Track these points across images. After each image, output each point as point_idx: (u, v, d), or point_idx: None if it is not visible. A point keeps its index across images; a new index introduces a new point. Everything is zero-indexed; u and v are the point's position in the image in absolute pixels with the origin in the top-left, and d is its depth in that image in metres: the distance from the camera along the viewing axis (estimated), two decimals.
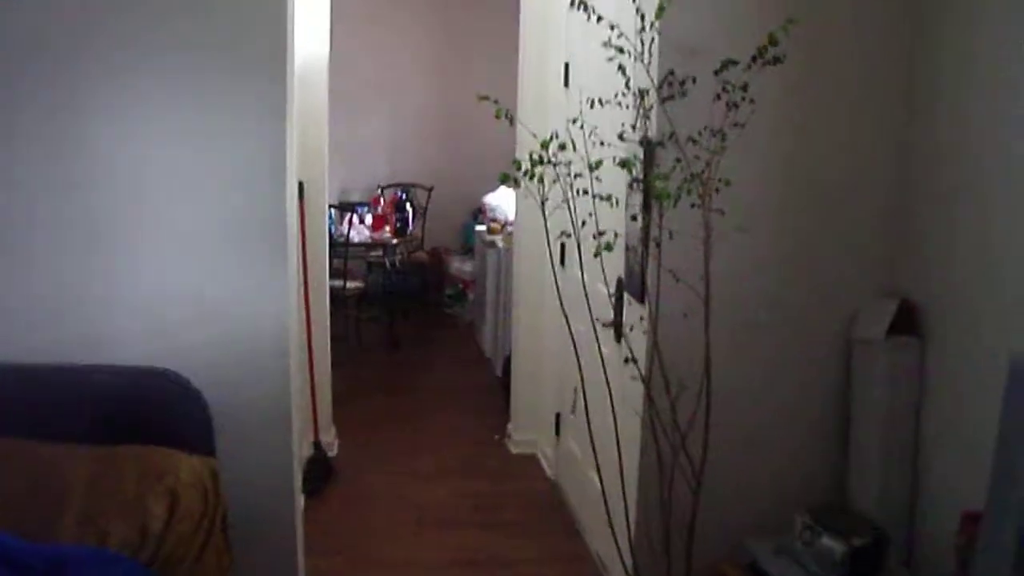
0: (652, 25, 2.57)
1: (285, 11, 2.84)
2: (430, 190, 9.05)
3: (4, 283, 2.87)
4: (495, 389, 6.59)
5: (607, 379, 3.01)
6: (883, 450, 3.09)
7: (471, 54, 9.32)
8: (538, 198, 2.79)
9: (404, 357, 7.66)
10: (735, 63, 2.60)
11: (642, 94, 2.78)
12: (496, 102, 2.63)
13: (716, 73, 2.62)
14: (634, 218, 2.94)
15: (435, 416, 6.18)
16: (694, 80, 2.75)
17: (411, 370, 7.35)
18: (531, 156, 2.69)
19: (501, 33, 9.20)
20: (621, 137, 2.93)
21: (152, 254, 2.91)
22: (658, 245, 2.64)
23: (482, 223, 8.23)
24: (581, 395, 3.17)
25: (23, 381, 2.84)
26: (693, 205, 2.59)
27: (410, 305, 8.45)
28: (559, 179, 2.70)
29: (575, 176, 2.73)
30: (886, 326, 3.05)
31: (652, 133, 2.85)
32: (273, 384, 2.95)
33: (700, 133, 2.64)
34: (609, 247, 2.62)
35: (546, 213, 2.78)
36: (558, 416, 4.91)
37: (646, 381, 2.86)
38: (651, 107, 2.77)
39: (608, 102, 2.87)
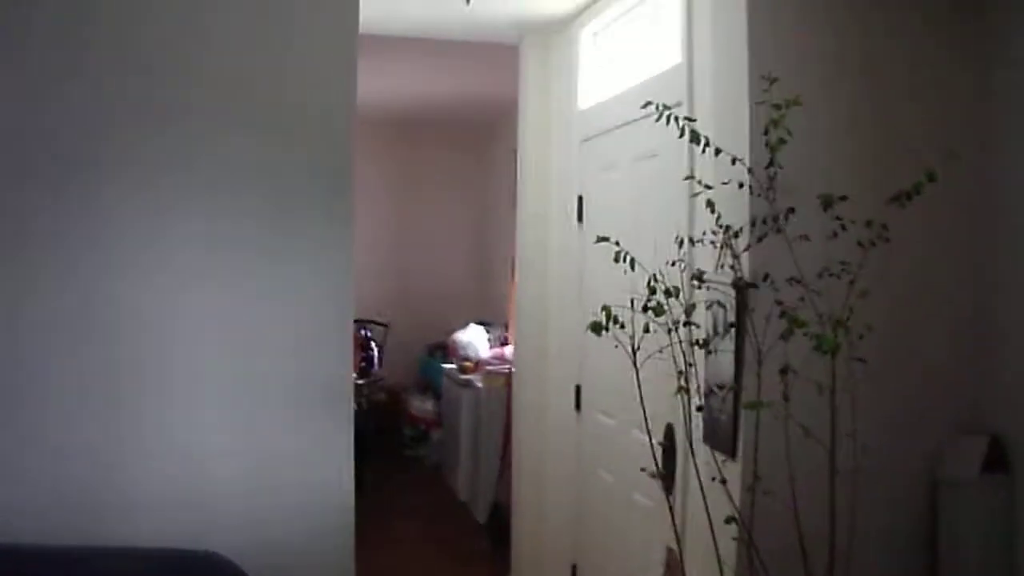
0: (773, 161, 2.39)
1: (349, 137, 2.60)
2: (386, 326, 8.77)
3: (10, 448, 2.50)
4: (478, 536, 6.28)
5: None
6: None
7: (427, 189, 9.27)
8: (628, 348, 2.57)
9: (373, 503, 7.21)
10: (843, 199, 2.45)
11: (734, 232, 2.60)
12: (618, 244, 2.42)
13: (826, 209, 2.45)
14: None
15: (424, 570, 5.80)
16: (786, 217, 2.58)
17: (385, 518, 6.94)
18: (632, 302, 2.48)
19: (461, 170, 9.31)
20: (700, 279, 2.74)
21: (188, 413, 2.57)
22: (787, 399, 2.41)
23: (445, 360, 7.97)
24: (679, 560, 2.86)
25: (33, 568, 2.41)
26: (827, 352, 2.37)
27: (371, 448, 8.07)
28: (672, 327, 2.47)
29: (683, 324, 2.52)
30: (978, 465, 2.85)
31: (745, 274, 2.65)
32: (336, 565, 2.60)
33: (824, 274, 2.44)
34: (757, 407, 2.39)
35: (638, 364, 2.56)
36: (574, 567, 4.60)
37: (749, 543, 2.60)
38: (747, 247, 2.59)
39: (699, 242, 2.68)
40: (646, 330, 2.53)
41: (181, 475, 2.58)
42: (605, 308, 2.55)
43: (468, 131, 9.23)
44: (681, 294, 2.59)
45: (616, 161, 4.00)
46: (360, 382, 7.49)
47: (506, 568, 5.32)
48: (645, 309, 2.50)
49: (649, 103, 2.60)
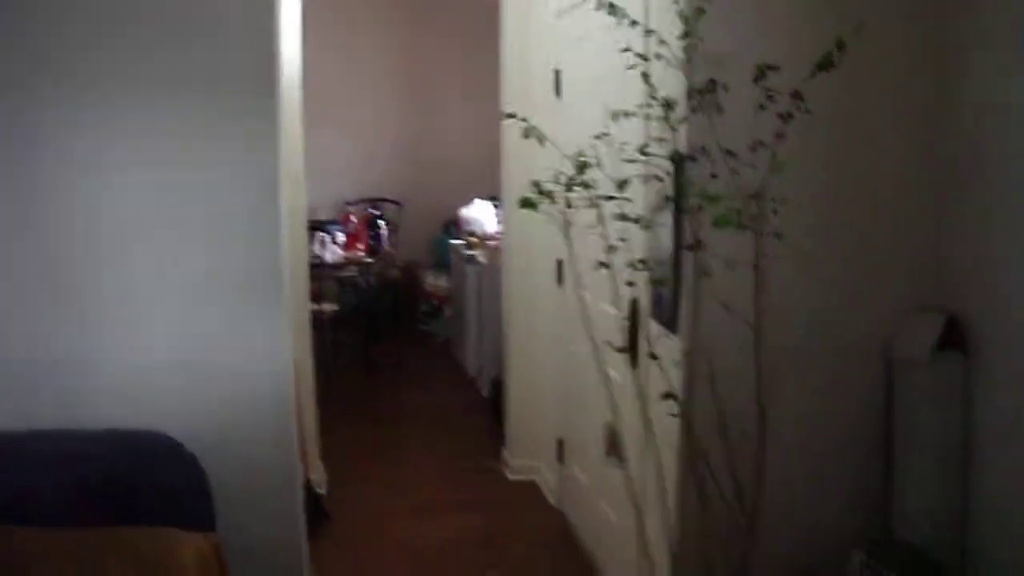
0: (690, 32, 2.31)
1: (274, 28, 2.57)
2: (399, 204, 8.77)
3: None
4: (482, 410, 6.34)
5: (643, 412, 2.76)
6: (932, 472, 2.87)
7: (440, 65, 9.11)
8: (560, 223, 2.55)
9: (384, 379, 7.38)
10: (774, 68, 2.36)
11: (669, 104, 2.53)
12: (524, 120, 2.38)
13: (756, 80, 2.37)
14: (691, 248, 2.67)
15: (424, 442, 5.92)
16: (726, 88, 2.50)
17: (393, 393, 7.08)
18: (558, 179, 2.44)
19: (472, 47, 9.08)
20: (644, 151, 2.68)
21: (129, 305, 2.63)
22: (708, 274, 2.38)
23: (456, 237, 7.97)
24: (620, 436, 2.88)
25: None
26: (742, 227, 2.33)
27: (385, 324, 8.18)
28: (593, 202, 2.44)
29: (606, 198, 2.48)
30: (932, 344, 2.82)
31: (682, 146, 2.59)
32: (275, 447, 2.67)
33: (752, 148, 2.38)
34: (660, 283, 2.37)
35: (571, 237, 2.54)
36: (560, 442, 4.66)
37: (687, 418, 2.61)
38: (682, 119, 2.52)
39: (632, 115, 2.61)
40: (568, 205, 2.50)
41: (125, 364, 2.64)
42: (535, 183, 2.52)
43: (482, 10, 9.04)
44: (604, 168, 2.55)
45: (589, 32, 3.89)
46: (368, 260, 7.53)
47: (502, 442, 5.41)
48: (568, 187, 2.46)
49: None
